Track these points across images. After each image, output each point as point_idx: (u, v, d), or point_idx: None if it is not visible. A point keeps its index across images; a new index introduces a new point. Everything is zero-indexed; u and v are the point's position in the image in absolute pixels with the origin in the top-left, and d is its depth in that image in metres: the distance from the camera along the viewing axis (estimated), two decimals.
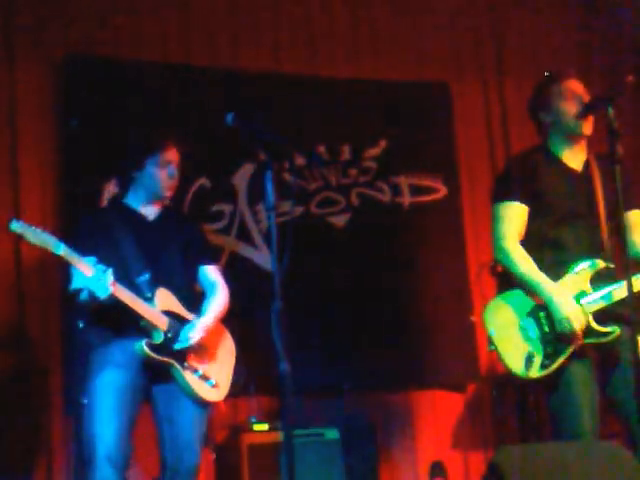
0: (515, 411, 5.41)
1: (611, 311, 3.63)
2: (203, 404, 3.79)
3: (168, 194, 3.93)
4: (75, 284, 3.69)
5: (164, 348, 3.68)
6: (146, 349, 3.63)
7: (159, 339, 3.68)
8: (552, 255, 3.72)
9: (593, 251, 3.69)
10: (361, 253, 5.53)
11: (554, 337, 3.61)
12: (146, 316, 3.66)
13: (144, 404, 3.77)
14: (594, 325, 3.61)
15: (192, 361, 3.76)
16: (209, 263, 4.06)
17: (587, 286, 3.66)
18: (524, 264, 3.69)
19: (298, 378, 3.04)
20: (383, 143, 5.72)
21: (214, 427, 4.65)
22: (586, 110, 3.71)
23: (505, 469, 3.15)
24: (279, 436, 3.58)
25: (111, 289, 3.53)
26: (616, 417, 3.72)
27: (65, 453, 4.77)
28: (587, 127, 3.75)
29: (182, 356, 3.73)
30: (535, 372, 3.58)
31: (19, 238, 3.52)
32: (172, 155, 3.90)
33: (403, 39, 5.89)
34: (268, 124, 3.28)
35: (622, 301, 3.55)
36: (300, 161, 5.49)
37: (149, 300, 3.70)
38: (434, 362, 5.52)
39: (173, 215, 4.07)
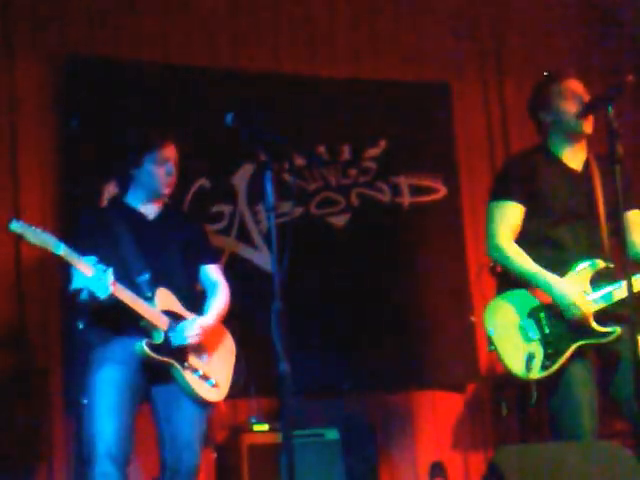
0: (515, 411, 5.41)
1: (611, 311, 3.63)
2: (203, 404, 3.78)
3: (166, 191, 3.92)
4: (75, 284, 3.68)
5: (164, 348, 3.68)
6: (146, 349, 3.63)
7: (159, 339, 3.68)
8: (552, 255, 3.72)
9: (593, 251, 3.69)
10: (361, 253, 5.53)
11: (555, 338, 3.61)
12: (146, 316, 3.66)
13: (144, 403, 3.77)
14: (594, 325, 3.61)
15: (192, 361, 3.76)
16: (210, 262, 4.05)
17: (587, 286, 3.66)
18: (519, 259, 3.68)
19: (298, 378, 3.05)
20: (383, 143, 5.72)
21: (214, 427, 4.65)
22: (586, 110, 3.71)
23: (505, 469, 3.15)
24: (279, 436, 3.57)
25: (111, 289, 3.53)
26: (620, 416, 3.72)
27: (65, 453, 4.77)
28: (587, 126, 3.75)
29: (182, 356, 3.73)
30: (536, 373, 3.58)
31: (19, 238, 3.52)
32: (170, 152, 3.90)
33: (403, 39, 5.89)
34: (268, 124, 3.29)
35: (622, 301, 3.56)
36: (300, 161, 5.49)
37: (149, 300, 3.70)
38: (434, 362, 5.52)
39: (174, 214, 4.07)
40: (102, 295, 3.53)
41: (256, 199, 5.33)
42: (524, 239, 3.76)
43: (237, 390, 3.94)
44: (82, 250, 3.59)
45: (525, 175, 3.78)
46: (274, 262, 3.08)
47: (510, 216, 3.76)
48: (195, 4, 5.49)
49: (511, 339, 3.64)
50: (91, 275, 3.53)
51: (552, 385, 3.63)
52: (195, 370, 3.75)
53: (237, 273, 4.51)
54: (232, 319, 3.99)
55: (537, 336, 3.63)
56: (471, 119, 5.97)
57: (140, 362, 3.68)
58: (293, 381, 3.01)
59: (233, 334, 3.99)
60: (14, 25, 5.04)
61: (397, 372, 5.42)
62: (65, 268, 3.74)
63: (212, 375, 3.80)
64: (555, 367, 3.59)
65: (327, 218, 5.56)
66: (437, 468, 5.21)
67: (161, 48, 5.36)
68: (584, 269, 3.67)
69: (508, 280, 3.75)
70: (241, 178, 5.40)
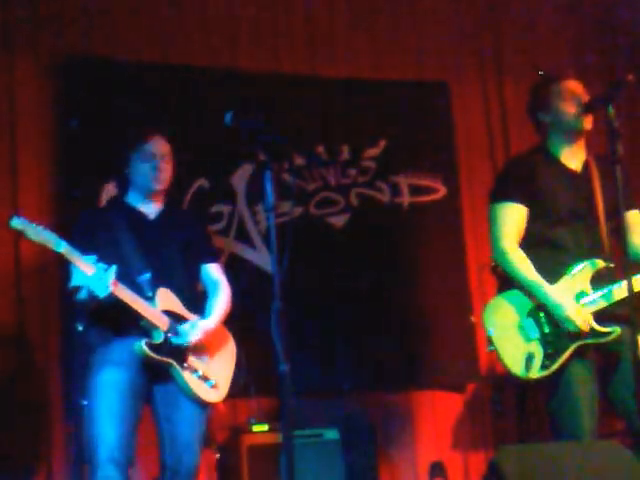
0: (515, 411, 5.41)
1: (611, 311, 3.63)
2: (202, 404, 3.78)
3: (157, 187, 3.89)
4: (74, 281, 3.67)
5: (164, 348, 3.68)
6: (145, 349, 3.62)
7: (159, 339, 3.68)
8: (552, 255, 3.72)
9: (593, 251, 3.69)
10: (360, 253, 5.52)
11: (555, 337, 3.61)
12: (146, 316, 3.65)
13: (145, 404, 3.77)
14: (594, 325, 3.61)
15: (192, 361, 3.75)
16: (211, 261, 4.05)
17: (587, 286, 3.67)
18: (522, 266, 3.68)
19: (298, 378, 3.04)
20: (382, 143, 5.71)
21: (214, 428, 4.64)
22: (586, 110, 3.71)
23: (505, 469, 3.16)
24: (279, 437, 3.57)
25: (111, 289, 3.53)
26: (617, 416, 3.72)
27: (65, 453, 4.77)
28: (587, 122, 3.75)
29: (182, 356, 3.72)
30: (535, 373, 3.58)
31: (19, 237, 3.51)
32: (156, 148, 3.89)
33: (402, 39, 5.89)
34: (267, 124, 3.28)
35: (622, 301, 3.56)
36: (299, 161, 5.49)
37: (150, 299, 3.70)
38: (434, 362, 5.52)
39: (175, 213, 4.07)
40: (101, 294, 3.53)
41: (255, 199, 5.33)
42: (525, 240, 3.76)
43: (237, 390, 3.94)
44: (82, 248, 3.59)
45: (525, 176, 3.78)
46: (273, 262, 3.07)
47: (514, 217, 3.76)
48: (194, 4, 5.49)
49: (511, 339, 3.64)
50: (91, 274, 3.52)
51: (552, 385, 3.63)
52: (195, 370, 3.75)
53: (236, 273, 4.50)
54: (232, 319, 3.99)
55: (537, 336, 3.63)
56: (471, 119, 5.97)
57: (141, 363, 3.67)
58: (293, 381, 3.01)
59: (233, 334, 3.98)
60: (13, 25, 5.04)
61: (397, 372, 5.42)
62: (65, 268, 3.74)
63: (212, 376, 3.80)
64: (555, 367, 3.59)
65: (326, 218, 5.55)
66: (437, 468, 5.21)
67: (160, 48, 5.36)
68: (584, 269, 3.67)
69: (508, 280, 3.75)
70: (240, 178, 5.39)
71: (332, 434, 4.79)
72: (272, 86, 5.51)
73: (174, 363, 3.70)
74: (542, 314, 3.65)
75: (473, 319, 5.54)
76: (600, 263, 3.67)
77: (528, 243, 3.75)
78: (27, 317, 4.83)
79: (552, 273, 3.66)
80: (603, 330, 3.61)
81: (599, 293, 3.65)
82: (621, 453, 3.31)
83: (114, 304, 3.59)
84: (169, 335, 3.69)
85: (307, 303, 5.22)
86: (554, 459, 3.25)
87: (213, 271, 4.03)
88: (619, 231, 3.50)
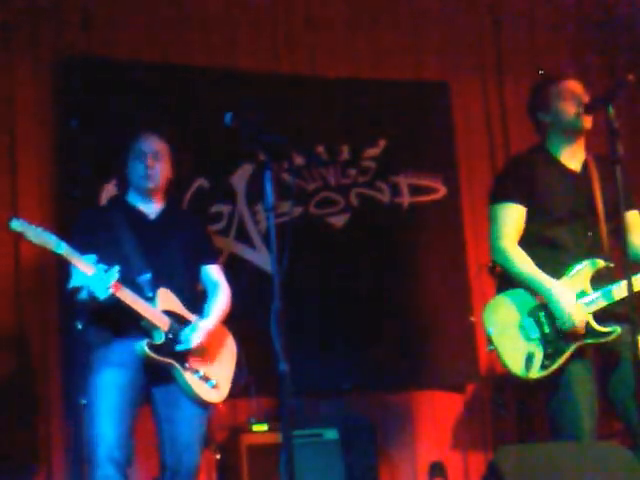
0: (515, 411, 5.41)
1: (611, 311, 3.63)
2: (203, 405, 3.78)
3: (150, 185, 3.89)
4: (74, 282, 3.68)
5: (165, 348, 3.68)
6: (146, 349, 3.62)
7: (160, 339, 3.68)
8: (551, 255, 3.72)
9: (592, 251, 3.69)
10: (360, 253, 5.52)
11: (555, 337, 3.61)
12: (147, 316, 3.65)
13: (144, 404, 3.77)
14: (594, 325, 3.61)
15: (193, 362, 3.75)
16: (212, 262, 4.05)
17: (587, 286, 3.66)
18: (522, 263, 3.69)
19: (297, 378, 3.04)
20: (382, 143, 5.71)
21: (215, 428, 4.64)
22: (586, 109, 3.71)
23: (504, 469, 3.16)
24: (278, 437, 3.56)
25: (111, 290, 3.53)
26: (616, 416, 3.72)
27: (65, 453, 4.77)
28: (587, 121, 3.75)
29: (183, 357, 3.72)
30: (535, 372, 3.58)
31: (19, 238, 3.51)
32: (147, 146, 3.89)
33: (403, 39, 5.88)
34: (267, 124, 3.28)
35: (622, 301, 3.56)
36: (299, 161, 5.48)
37: (150, 300, 3.70)
38: (434, 362, 5.52)
39: (175, 213, 4.08)
40: (101, 296, 3.53)
41: (255, 199, 5.33)
42: (523, 239, 3.77)
43: (238, 390, 3.94)
44: (82, 247, 3.59)
45: (525, 176, 3.78)
46: (273, 262, 3.07)
47: (513, 217, 3.76)
48: (194, 4, 5.49)
49: (511, 338, 3.64)
50: (91, 275, 3.52)
51: (551, 385, 3.63)
52: (196, 371, 3.75)
53: (236, 273, 4.50)
54: (231, 319, 3.99)
55: (537, 335, 3.63)
56: (471, 119, 5.97)
57: (141, 363, 3.68)
58: (293, 381, 3.00)
59: (232, 334, 3.98)
60: (13, 25, 5.03)
61: (397, 372, 5.42)
62: (64, 268, 3.74)
63: (212, 376, 3.80)
64: (555, 367, 3.59)
65: (326, 218, 5.55)
66: (437, 468, 5.21)
67: (160, 48, 5.35)
68: (584, 269, 3.67)
69: (508, 280, 3.75)
70: (240, 178, 5.39)
71: (332, 434, 4.79)
72: (272, 86, 5.51)
73: (175, 364, 3.70)
74: (542, 314, 3.64)
75: (473, 319, 5.53)
76: (600, 263, 3.67)
77: (528, 243, 3.75)
78: (27, 317, 4.83)
79: (552, 273, 3.66)
80: (603, 330, 3.60)
81: (599, 293, 3.64)
82: (621, 453, 3.31)
83: (114, 304, 3.59)
84: (171, 337, 3.69)
85: (307, 303, 5.22)
86: (554, 459, 3.25)
87: (213, 272, 4.03)
88: (619, 231, 3.50)
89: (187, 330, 3.74)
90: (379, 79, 5.78)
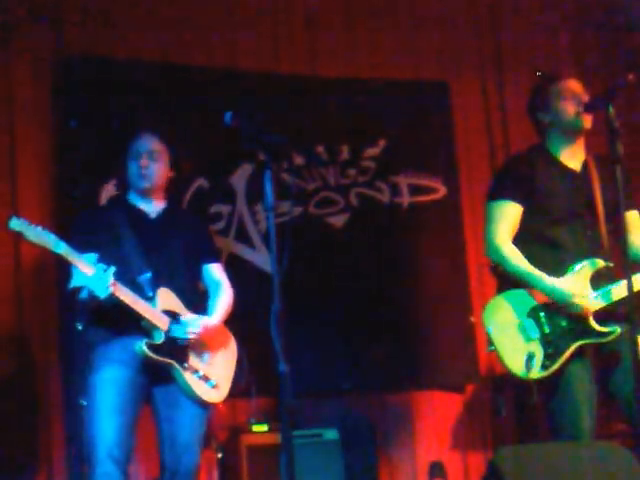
0: (514, 411, 5.41)
1: (611, 311, 3.63)
2: (203, 405, 3.78)
3: (145, 185, 3.89)
4: (74, 282, 3.68)
5: (164, 348, 3.67)
6: (146, 349, 3.62)
7: (159, 339, 3.67)
8: (551, 255, 3.73)
9: (592, 251, 3.70)
10: (360, 253, 5.52)
11: (555, 337, 3.61)
12: (146, 316, 3.65)
13: (144, 403, 3.77)
14: (594, 325, 3.61)
15: (193, 362, 3.75)
16: (213, 261, 4.05)
17: (587, 286, 3.66)
18: (516, 259, 3.69)
19: (298, 378, 3.04)
20: (382, 143, 5.71)
21: (215, 428, 4.64)
22: (586, 109, 3.71)
23: (504, 469, 3.16)
24: (278, 437, 3.57)
25: (111, 289, 3.52)
26: (618, 416, 3.71)
27: (65, 453, 4.76)
28: (587, 121, 3.75)
29: (182, 357, 3.72)
30: (535, 373, 3.57)
31: (19, 238, 3.51)
32: (142, 145, 3.89)
33: (403, 39, 5.88)
34: (267, 124, 3.28)
35: (622, 300, 3.56)
36: (299, 161, 5.48)
37: (150, 299, 3.69)
38: (433, 362, 5.52)
39: (176, 213, 4.07)
40: (102, 295, 3.53)
41: (255, 199, 5.33)
42: (523, 239, 3.77)
43: (238, 391, 3.93)
44: (82, 247, 3.59)
45: (523, 175, 3.78)
46: (273, 262, 3.07)
47: (508, 216, 3.77)
48: (194, 4, 5.48)
49: (511, 339, 3.64)
50: (91, 274, 3.52)
51: (551, 385, 3.62)
52: (195, 371, 3.74)
53: (236, 273, 4.50)
54: (231, 319, 3.99)
55: (537, 335, 3.63)
56: (471, 119, 5.96)
57: (141, 362, 3.67)
58: (293, 381, 3.00)
59: (233, 335, 3.98)
60: (12, 25, 5.03)
61: (397, 372, 5.42)
62: (64, 267, 3.73)
63: (213, 376, 3.79)
64: (555, 367, 3.58)
65: (326, 218, 5.55)
66: (436, 468, 5.21)
67: (160, 48, 5.35)
68: (583, 269, 3.67)
69: (509, 280, 3.75)
70: (240, 178, 5.39)
71: (331, 434, 4.80)
72: (271, 86, 5.51)
73: (175, 363, 3.69)
74: (542, 314, 3.65)
75: (473, 319, 5.53)
76: (600, 262, 3.67)
77: (527, 242, 3.75)
78: (27, 317, 4.83)
79: (552, 272, 3.66)
80: (603, 330, 3.60)
81: (598, 293, 3.64)
82: (620, 453, 3.31)
83: (114, 304, 3.58)
84: (171, 337, 3.69)
85: (307, 303, 5.21)
86: (553, 459, 3.25)
87: (215, 271, 4.03)
88: (618, 231, 3.50)
89: (188, 321, 3.72)
90: (379, 79, 5.77)
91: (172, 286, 3.78)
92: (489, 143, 5.98)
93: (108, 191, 4.96)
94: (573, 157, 3.83)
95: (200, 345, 3.78)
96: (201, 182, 5.28)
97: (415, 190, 5.73)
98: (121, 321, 3.67)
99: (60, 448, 4.77)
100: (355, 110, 5.65)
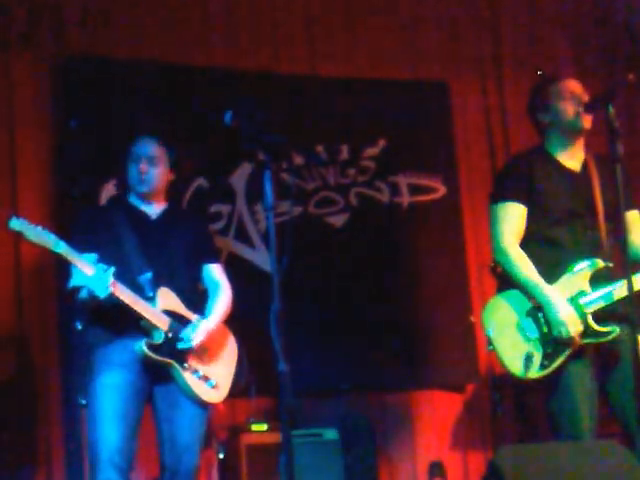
0: (514, 411, 5.41)
1: (611, 311, 3.63)
2: (203, 405, 3.77)
3: (144, 189, 3.89)
4: (74, 282, 3.67)
5: (164, 348, 3.67)
6: (145, 349, 3.62)
7: (159, 339, 3.67)
8: (551, 255, 3.72)
9: (592, 251, 3.69)
10: (360, 253, 5.52)
11: (553, 338, 3.60)
12: (146, 316, 3.65)
13: (146, 404, 3.76)
14: (593, 325, 3.61)
15: (192, 362, 3.75)
16: (213, 262, 4.05)
17: (586, 286, 3.66)
18: (522, 266, 3.68)
19: (297, 378, 3.04)
20: (382, 143, 5.71)
21: (215, 427, 4.64)
22: (586, 109, 3.71)
23: (504, 469, 3.15)
24: (278, 436, 3.57)
25: (111, 289, 3.52)
26: (614, 416, 3.71)
27: (65, 453, 4.76)
28: (587, 121, 3.75)
29: (182, 357, 3.72)
30: (534, 372, 3.58)
31: (18, 238, 3.51)
32: (142, 149, 3.89)
33: (401, 38, 5.88)
34: (266, 123, 3.28)
35: (622, 300, 3.55)
36: (298, 161, 5.48)
37: (150, 299, 3.69)
38: (433, 362, 5.51)
39: (177, 213, 4.08)
40: (101, 295, 3.53)
41: (255, 199, 5.33)
42: (526, 240, 3.76)
43: (238, 391, 3.93)
44: (82, 247, 3.59)
45: (524, 175, 3.78)
46: (273, 262, 3.07)
47: (514, 217, 3.76)
48: (193, 4, 5.49)
49: (510, 338, 3.64)
50: (91, 274, 3.52)
51: (551, 385, 3.62)
52: (195, 371, 3.74)
53: (236, 273, 4.50)
54: (231, 319, 3.99)
55: (536, 335, 3.62)
56: (470, 118, 5.97)
57: (141, 363, 3.67)
58: (293, 381, 3.00)
59: (232, 334, 3.98)
60: (12, 25, 5.03)
61: (397, 372, 5.42)
62: (64, 267, 3.73)
63: (212, 376, 3.79)
64: (554, 366, 3.58)
65: (326, 218, 5.55)
66: (436, 468, 5.20)
67: (160, 48, 5.35)
68: (583, 269, 3.67)
69: (508, 280, 3.75)
70: (239, 178, 5.39)
71: (331, 434, 4.79)
72: (271, 85, 5.51)
73: (174, 363, 3.69)
74: (541, 314, 3.64)
75: (473, 319, 5.53)
76: (600, 263, 3.67)
77: (527, 242, 3.75)
78: (27, 317, 4.83)
79: (551, 272, 3.66)
80: (603, 330, 3.60)
81: (598, 293, 3.64)
82: (620, 453, 3.31)
83: (114, 304, 3.58)
84: (171, 337, 3.68)
85: (306, 303, 5.22)
86: (553, 459, 3.24)
87: (215, 271, 4.03)
88: (618, 231, 3.50)
89: (188, 329, 3.73)
90: (379, 79, 5.77)
91: (172, 286, 3.78)
92: (489, 143, 5.98)
93: (108, 191, 4.97)
94: (573, 157, 3.83)
95: (200, 345, 3.77)
96: (201, 182, 5.28)
97: (415, 190, 5.73)
98: (121, 321, 3.67)
99: (60, 448, 4.77)
100: (355, 110, 5.64)
